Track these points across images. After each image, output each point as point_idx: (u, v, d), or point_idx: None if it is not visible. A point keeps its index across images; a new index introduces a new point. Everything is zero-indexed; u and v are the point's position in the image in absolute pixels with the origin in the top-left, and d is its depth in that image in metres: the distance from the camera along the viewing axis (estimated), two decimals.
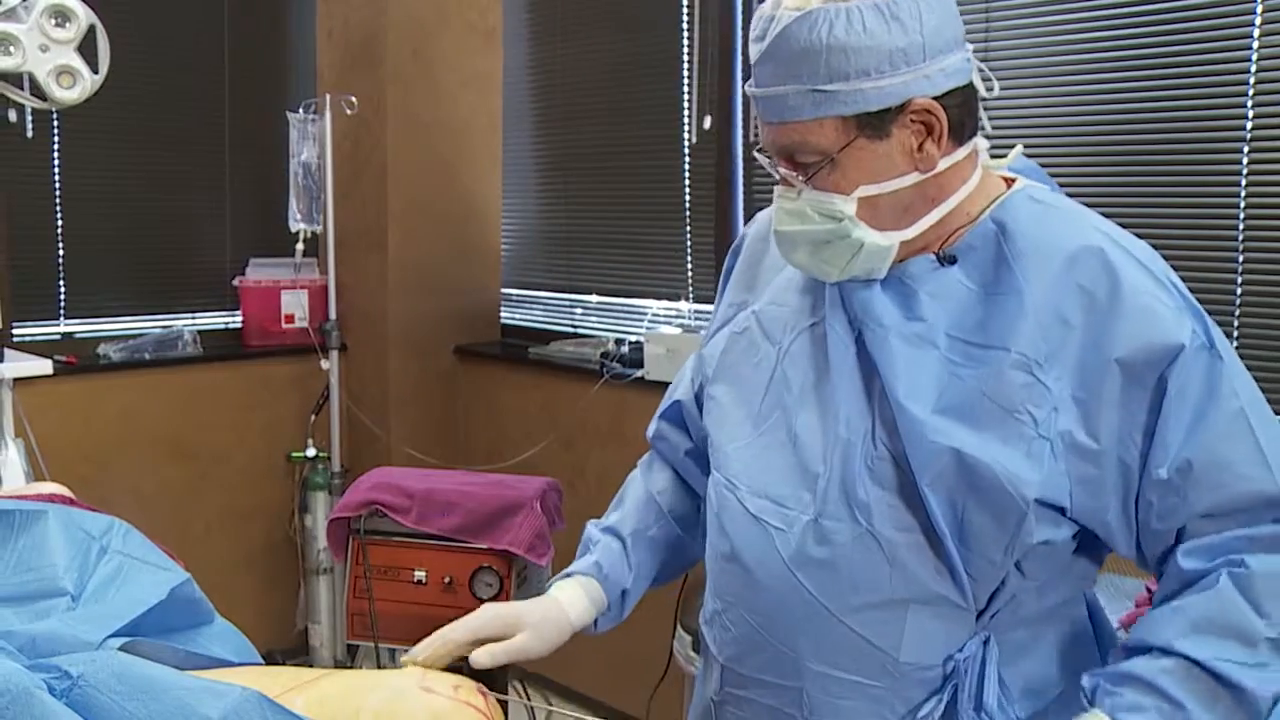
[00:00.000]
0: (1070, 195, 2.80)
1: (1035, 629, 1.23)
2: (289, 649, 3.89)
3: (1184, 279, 2.42)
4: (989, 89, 1.20)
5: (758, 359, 1.32)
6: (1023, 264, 1.17)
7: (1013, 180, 1.26)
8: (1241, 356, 2.35)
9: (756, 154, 1.26)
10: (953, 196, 1.19)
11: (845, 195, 1.16)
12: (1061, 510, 1.15)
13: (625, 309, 3.68)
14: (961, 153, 1.19)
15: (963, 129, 1.18)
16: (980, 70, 1.19)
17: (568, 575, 1.35)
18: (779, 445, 1.26)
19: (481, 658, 1.18)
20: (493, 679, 1.28)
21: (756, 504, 1.26)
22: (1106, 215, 2.73)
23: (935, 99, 1.14)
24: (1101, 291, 1.14)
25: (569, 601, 1.31)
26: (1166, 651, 1.10)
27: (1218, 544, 1.12)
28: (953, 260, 1.20)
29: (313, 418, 3.87)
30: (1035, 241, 1.18)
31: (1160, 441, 1.11)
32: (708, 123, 3.22)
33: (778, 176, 1.22)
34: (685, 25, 3.40)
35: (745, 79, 1.24)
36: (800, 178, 1.18)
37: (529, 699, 2.98)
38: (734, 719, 1.34)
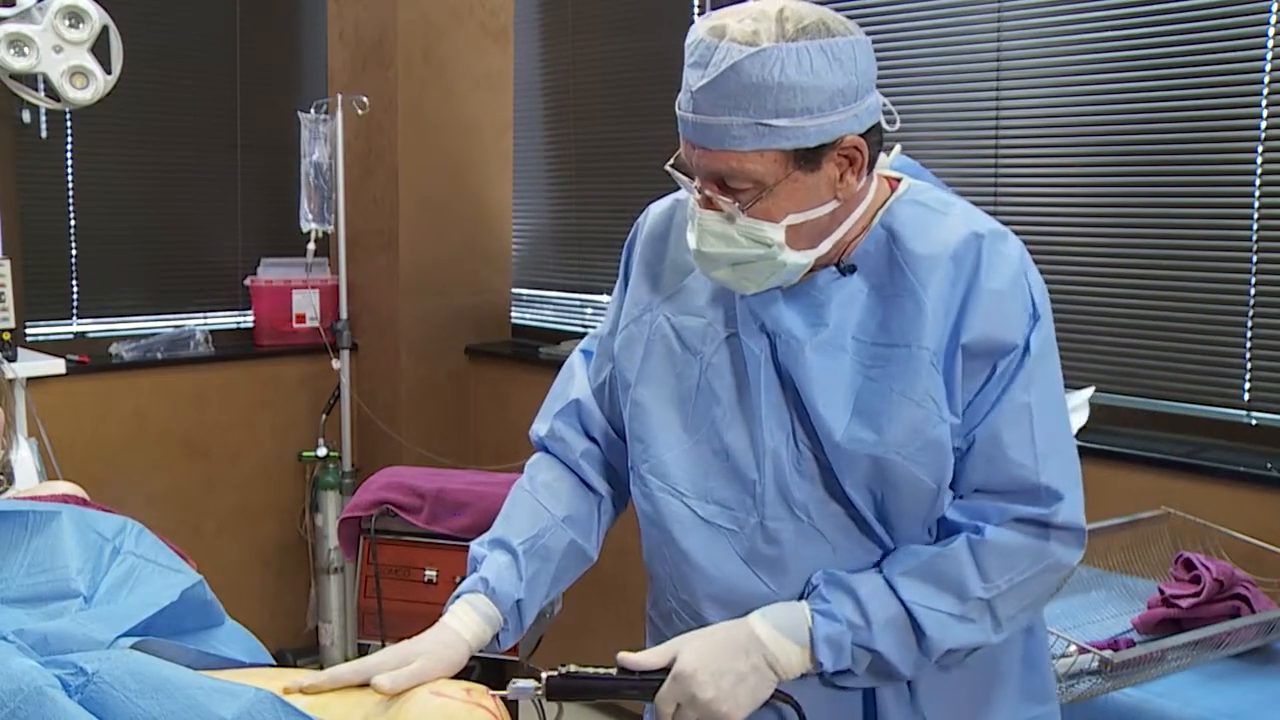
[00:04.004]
0: (1082, 198, 2.79)
1: None
2: (299, 648, 3.90)
3: (1197, 279, 2.44)
4: (890, 123, 1.27)
5: (679, 368, 1.38)
6: (915, 266, 1.26)
7: (896, 180, 1.34)
8: (1254, 357, 2.37)
9: (669, 169, 1.31)
10: (855, 212, 1.28)
11: (775, 223, 1.23)
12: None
13: None
14: (866, 179, 1.27)
15: (874, 161, 1.27)
16: (885, 107, 1.26)
17: (456, 597, 1.35)
18: (714, 454, 1.34)
19: (383, 682, 1.18)
20: (500, 681, 1.28)
21: (707, 509, 1.34)
22: (1120, 217, 2.73)
23: (860, 135, 1.22)
24: (966, 281, 1.25)
25: (461, 623, 1.32)
26: (889, 582, 1.26)
27: (976, 507, 1.27)
28: (853, 269, 1.30)
29: (324, 417, 3.87)
30: (923, 245, 1.27)
31: (968, 413, 1.25)
32: None
33: (697, 197, 1.26)
34: None
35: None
36: (733, 203, 1.23)
37: (539, 700, 2.98)
38: None
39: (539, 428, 1.52)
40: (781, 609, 1.28)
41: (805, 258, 1.26)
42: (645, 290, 1.43)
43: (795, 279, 1.28)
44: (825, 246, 1.27)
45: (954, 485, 1.28)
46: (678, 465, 1.36)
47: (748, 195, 1.22)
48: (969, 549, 1.25)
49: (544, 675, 1.25)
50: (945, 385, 1.24)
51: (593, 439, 1.49)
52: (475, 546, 1.41)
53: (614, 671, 1.26)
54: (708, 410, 1.35)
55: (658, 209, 1.48)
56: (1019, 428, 1.24)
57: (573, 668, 1.26)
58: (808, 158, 1.20)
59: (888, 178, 1.34)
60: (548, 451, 1.51)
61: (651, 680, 1.25)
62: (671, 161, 1.30)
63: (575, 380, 1.52)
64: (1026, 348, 1.25)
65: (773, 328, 1.30)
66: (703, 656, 1.23)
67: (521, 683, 1.25)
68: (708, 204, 1.25)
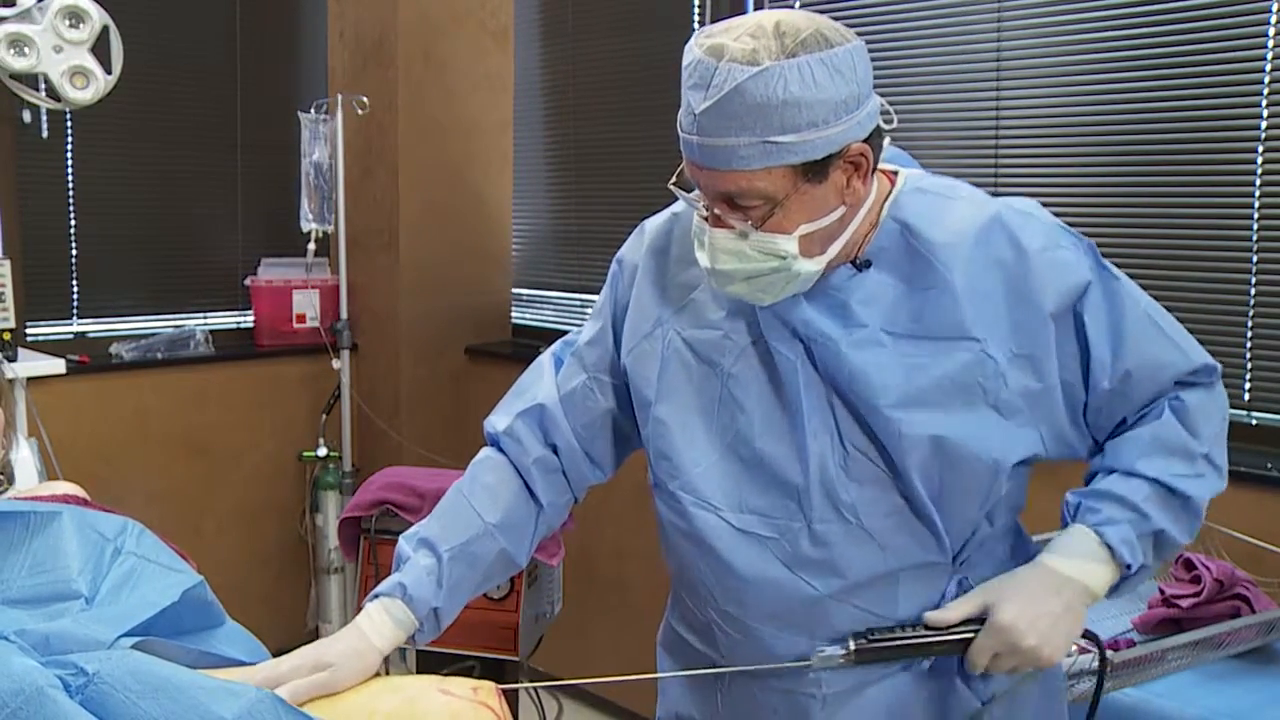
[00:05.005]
0: (1082, 198, 2.79)
1: (989, 551, 1.39)
2: (300, 648, 3.89)
3: (1197, 279, 2.44)
4: (888, 123, 1.27)
5: (697, 382, 1.37)
6: (940, 256, 1.28)
7: (891, 173, 1.36)
8: (1255, 358, 2.38)
9: (672, 188, 1.31)
10: (860, 213, 1.29)
11: (788, 235, 1.23)
12: (1034, 457, 1.32)
13: None
14: (871, 180, 1.28)
15: (877, 164, 1.27)
16: (883, 108, 1.26)
17: (374, 596, 1.36)
18: (744, 463, 1.34)
19: (283, 694, 1.18)
20: (501, 681, 1.29)
21: (743, 520, 1.34)
22: (1120, 217, 2.73)
23: (864, 141, 1.22)
24: (1011, 258, 1.28)
25: (373, 629, 1.31)
26: (1130, 473, 1.31)
27: (1157, 398, 1.35)
28: (868, 264, 1.31)
29: (324, 417, 3.87)
30: (942, 232, 1.29)
31: (1095, 361, 1.30)
32: None
33: (705, 214, 1.27)
34: (696, 25, 3.40)
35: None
36: (745, 221, 1.23)
37: (539, 699, 2.99)
38: (745, 707, 1.41)
39: (496, 422, 1.50)
40: (1065, 541, 1.31)
41: (818, 264, 1.26)
42: (654, 305, 1.42)
43: (809, 286, 1.29)
44: (835, 250, 1.28)
45: (1121, 413, 1.33)
46: (707, 479, 1.35)
47: (758, 212, 1.22)
48: (1175, 416, 1.32)
49: (850, 642, 1.29)
50: (1030, 360, 1.27)
51: (551, 446, 1.47)
52: (403, 542, 1.40)
53: (921, 630, 1.30)
54: (732, 421, 1.35)
55: (654, 225, 1.47)
56: (1156, 337, 1.32)
57: (873, 634, 1.30)
58: (815, 169, 1.20)
59: (884, 171, 1.35)
60: (499, 449, 1.49)
61: (963, 634, 1.28)
62: (674, 180, 1.29)
63: (543, 383, 1.50)
64: (1104, 270, 1.31)
65: (805, 332, 1.30)
66: (1019, 605, 1.26)
67: (828, 650, 1.30)
68: (718, 222, 1.25)
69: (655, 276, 1.43)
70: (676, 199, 1.33)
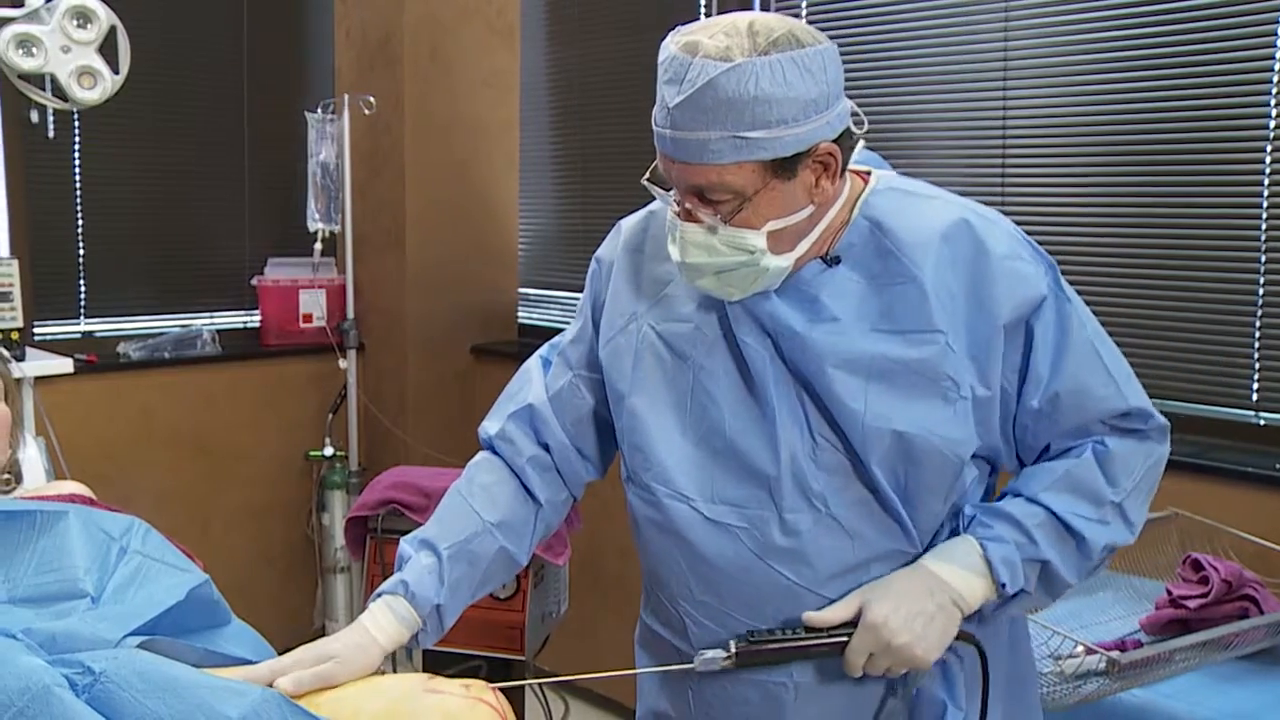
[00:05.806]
0: (1089, 198, 2.79)
1: None
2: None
3: (1205, 280, 2.44)
4: (858, 124, 1.29)
5: (669, 375, 1.39)
6: (909, 253, 1.30)
7: (865, 173, 1.38)
8: (1263, 358, 2.37)
9: (645, 183, 1.33)
10: (830, 211, 1.32)
11: (756, 230, 1.26)
12: (975, 452, 1.33)
13: None
14: (841, 181, 1.31)
15: (846, 165, 1.30)
16: (853, 111, 1.29)
17: (378, 595, 1.37)
18: (717, 454, 1.36)
19: (286, 684, 1.19)
20: (508, 679, 1.29)
21: (715, 510, 1.36)
22: (1128, 217, 2.73)
23: (832, 141, 1.25)
24: (973, 261, 1.30)
25: (376, 626, 1.32)
26: (1032, 500, 1.33)
27: (1081, 435, 1.35)
28: (837, 260, 1.33)
29: (330, 417, 3.88)
30: (910, 230, 1.31)
31: (1032, 377, 1.31)
32: None
33: (676, 209, 1.29)
34: None
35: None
36: (714, 215, 1.25)
37: (545, 699, 2.99)
38: (717, 701, 1.42)
39: (489, 426, 1.52)
40: (949, 547, 1.32)
41: (786, 260, 1.29)
42: (629, 300, 1.45)
43: (778, 282, 1.31)
44: (804, 247, 1.30)
45: (1046, 437, 1.34)
46: (679, 470, 1.37)
47: (728, 206, 1.24)
48: (1095, 459, 1.33)
49: (731, 645, 1.30)
50: (977, 363, 1.29)
51: (543, 445, 1.49)
52: (404, 544, 1.42)
53: (800, 632, 1.30)
54: (704, 413, 1.37)
55: (630, 223, 1.51)
56: (1094, 368, 1.32)
57: (755, 635, 1.30)
58: (785, 166, 1.23)
59: (857, 172, 1.37)
60: (494, 452, 1.51)
61: (840, 634, 1.29)
62: (648, 175, 1.32)
63: (532, 385, 1.52)
64: (1060, 290, 1.32)
65: (772, 326, 1.32)
66: (891, 603, 1.27)
67: (709, 653, 1.30)
68: (688, 216, 1.28)
69: (630, 273, 1.46)
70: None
